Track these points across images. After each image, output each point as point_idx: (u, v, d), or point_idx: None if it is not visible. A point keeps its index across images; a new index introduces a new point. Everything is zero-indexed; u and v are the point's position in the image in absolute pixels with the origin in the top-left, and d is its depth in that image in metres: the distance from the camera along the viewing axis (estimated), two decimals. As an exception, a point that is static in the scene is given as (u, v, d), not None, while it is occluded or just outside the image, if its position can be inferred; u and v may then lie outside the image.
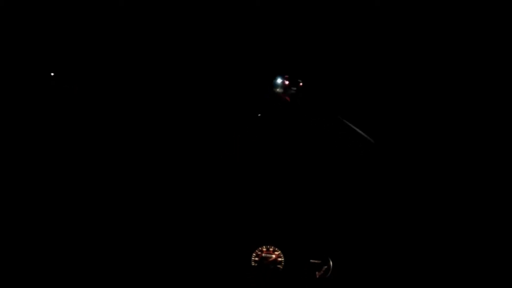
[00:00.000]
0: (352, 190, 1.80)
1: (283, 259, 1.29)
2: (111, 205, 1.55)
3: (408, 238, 1.33)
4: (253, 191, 1.48)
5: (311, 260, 1.28)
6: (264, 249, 1.30)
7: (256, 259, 1.29)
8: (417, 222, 1.44)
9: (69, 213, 1.52)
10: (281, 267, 1.29)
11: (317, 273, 1.26)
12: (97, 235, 1.34)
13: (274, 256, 1.30)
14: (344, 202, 1.50)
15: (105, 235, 1.33)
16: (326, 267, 1.26)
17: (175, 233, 1.31)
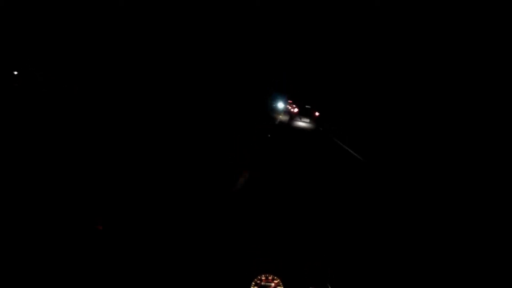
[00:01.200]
0: (348, 218, 1.81)
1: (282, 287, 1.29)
2: (110, 215, 1.56)
3: (405, 265, 1.33)
4: (251, 221, 1.49)
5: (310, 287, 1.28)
6: (263, 278, 1.30)
7: (256, 287, 1.29)
8: (414, 251, 1.44)
9: (67, 212, 1.52)
10: (281, 296, 1.28)
11: None
12: (93, 236, 1.35)
13: (273, 284, 1.30)
14: (342, 230, 1.50)
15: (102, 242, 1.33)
16: None
17: (176, 261, 1.31)
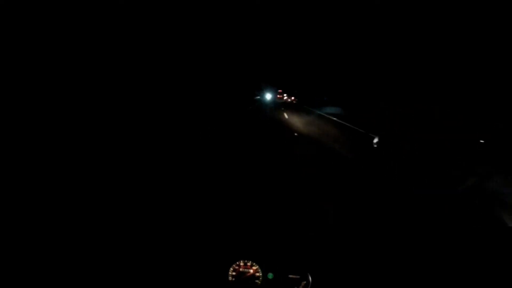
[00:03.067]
0: (330, 203, 1.79)
1: (261, 274, 1.27)
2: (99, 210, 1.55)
3: (389, 251, 1.30)
4: (229, 205, 1.46)
5: (289, 275, 1.25)
6: (242, 264, 1.28)
7: (234, 273, 1.27)
8: (397, 232, 1.42)
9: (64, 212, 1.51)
10: (259, 283, 1.26)
11: None
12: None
13: (251, 271, 1.27)
14: (322, 215, 1.48)
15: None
16: (305, 282, 1.24)
17: (151, 247, 1.29)
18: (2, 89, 6.12)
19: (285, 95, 49.24)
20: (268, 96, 40.30)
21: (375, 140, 5.34)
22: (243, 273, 1.27)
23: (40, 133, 5.39)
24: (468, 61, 9.39)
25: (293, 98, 47.34)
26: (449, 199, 3.54)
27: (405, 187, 4.39)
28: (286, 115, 16.62)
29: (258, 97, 39.82)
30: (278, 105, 31.69)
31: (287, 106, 29.58)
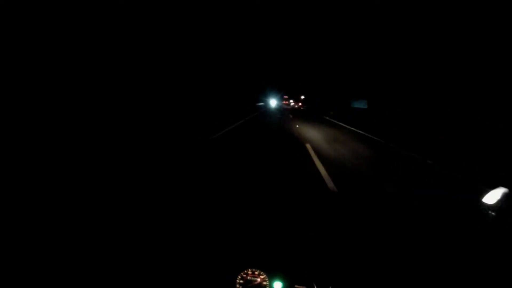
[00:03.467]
0: (337, 216, 1.79)
1: (268, 283, 1.28)
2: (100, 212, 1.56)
3: (394, 261, 1.32)
4: (238, 214, 1.47)
5: (296, 286, 1.26)
6: (250, 272, 1.29)
7: (241, 281, 1.28)
8: (401, 243, 1.43)
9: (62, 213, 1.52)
10: (266, 292, 1.27)
11: None
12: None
13: (259, 280, 1.28)
14: (330, 228, 1.49)
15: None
16: None
17: (160, 254, 1.30)
18: (2, 89, 6.12)
19: (291, 101, 47.81)
20: (273, 103, 35.81)
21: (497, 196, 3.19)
22: (250, 281, 1.28)
23: (40, 133, 5.39)
24: (468, 61, 9.41)
25: (300, 104, 45.39)
26: (448, 199, 3.55)
27: (405, 187, 4.36)
28: (298, 128, 12.08)
29: (262, 103, 34.64)
30: (285, 113, 26.09)
31: (296, 114, 23.89)
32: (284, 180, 4.12)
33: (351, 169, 5.34)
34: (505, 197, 1.47)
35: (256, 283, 1.27)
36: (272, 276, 1.27)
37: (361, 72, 19.55)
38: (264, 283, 1.27)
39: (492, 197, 1.53)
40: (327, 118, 19.83)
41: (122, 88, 9.98)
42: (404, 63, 12.99)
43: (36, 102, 6.53)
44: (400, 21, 12.87)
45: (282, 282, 1.27)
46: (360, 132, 11.34)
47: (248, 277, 1.28)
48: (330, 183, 4.13)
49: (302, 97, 44.85)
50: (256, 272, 1.28)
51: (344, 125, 14.40)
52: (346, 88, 23.09)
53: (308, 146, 7.39)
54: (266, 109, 27.28)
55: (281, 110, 30.21)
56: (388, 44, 14.40)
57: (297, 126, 13.23)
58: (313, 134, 10.31)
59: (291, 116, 21.27)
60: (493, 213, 1.48)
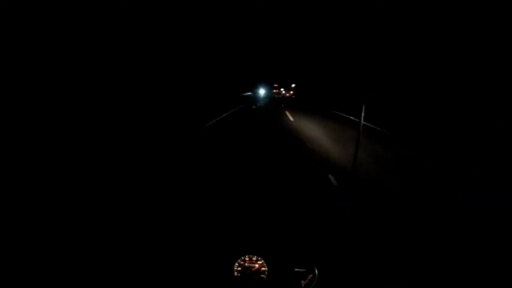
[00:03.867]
0: (335, 198, 1.78)
1: (266, 269, 1.26)
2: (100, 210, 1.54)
3: (391, 246, 1.30)
4: (234, 201, 1.46)
5: (295, 269, 1.24)
6: (247, 259, 1.27)
7: (239, 269, 1.26)
8: (398, 230, 1.41)
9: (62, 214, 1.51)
10: (265, 277, 1.25)
11: (302, 282, 1.22)
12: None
13: (257, 265, 1.27)
14: (327, 209, 1.47)
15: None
16: (311, 275, 1.23)
17: (159, 243, 1.29)
18: (2, 89, 6.12)
19: (282, 89, 47.40)
20: (262, 92, 35.46)
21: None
22: (249, 267, 1.26)
23: (40, 133, 5.38)
24: (468, 61, 9.41)
25: (291, 92, 45.46)
26: (449, 199, 3.52)
27: (405, 187, 4.35)
28: (290, 117, 11.97)
29: (250, 93, 32.32)
30: (276, 102, 24.89)
31: (286, 104, 22.88)
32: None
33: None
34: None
35: (254, 269, 1.26)
36: (270, 261, 1.26)
37: (360, 71, 19.58)
38: (263, 268, 1.26)
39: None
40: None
41: (103, 81, 9.72)
42: (404, 63, 13.01)
43: (36, 100, 6.54)
44: (400, 21, 12.90)
45: (281, 266, 1.25)
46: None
47: (246, 264, 1.27)
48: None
49: (293, 85, 44.76)
50: (254, 258, 1.27)
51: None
52: (344, 86, 22.85)
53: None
54: (253, 102, 21.87)
55: (271, 98, 29.45)
56: (388, 44, 14.43)
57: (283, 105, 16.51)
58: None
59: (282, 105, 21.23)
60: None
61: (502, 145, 7.20)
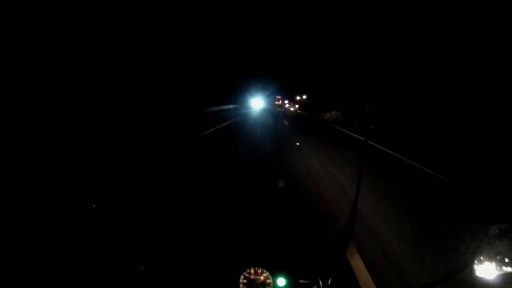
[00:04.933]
0: (338, 208, 1.79)
1: (271, 281, 1.27)
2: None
3: (393, 247, 1.32)
4: (239, 213, 1.47)
5: (300, 281, 1.25)
6: (253, 271, 1.28)
7: (244, 281, 1.27)
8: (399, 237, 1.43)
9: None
10: (270, 290, 1.26)
11: None
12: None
13: (262, 278, 1.28)
14: (331, 221, 1.49)
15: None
16: (315, 287, 1.24)
17: (163, 255, 1.30)
18: (2, 89, 6.12)
19: (286, 101, 40.62)
20: (257, 104, 24.56)
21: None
22: (254, 280, 1.27)
23: (40, 133, 5.38)
24: (468, 61, 9.42)
25: (297, 106, 38.83)
26: (449, 199, 3.54)
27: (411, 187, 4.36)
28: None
29: (234, 106, 22.06)
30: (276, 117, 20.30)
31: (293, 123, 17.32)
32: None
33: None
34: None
35: (259, 281, 1.27)
36: (275, 273, 1.27)
37: (360, 71, 19.55)
38: (268, 280, 1.27)
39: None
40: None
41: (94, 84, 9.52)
42: (404, 63, 13.00)
43: (35, 100, 6.53)
44: (400, 21, 12.89)
45: (285, 278, 1.26)
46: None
47: (252, 276, 1.28)
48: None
49: (298, 97, 39.27)
50: (259, 271, 1.28)
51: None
52: (345, 88, 22.57)
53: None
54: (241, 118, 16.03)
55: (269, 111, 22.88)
56: (388, 43, 14.42)
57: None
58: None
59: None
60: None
61: (502, 145, 7.22)
